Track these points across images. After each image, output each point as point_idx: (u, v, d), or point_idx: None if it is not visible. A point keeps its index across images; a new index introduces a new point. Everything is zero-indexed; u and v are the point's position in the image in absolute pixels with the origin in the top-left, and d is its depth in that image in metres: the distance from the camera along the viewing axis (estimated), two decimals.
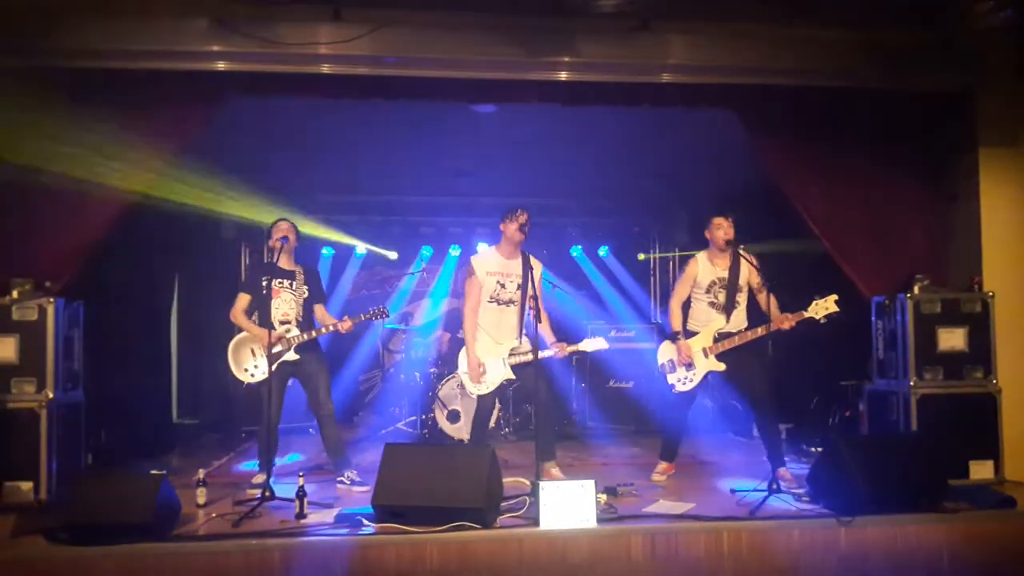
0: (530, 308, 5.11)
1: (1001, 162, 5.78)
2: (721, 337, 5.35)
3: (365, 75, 5.38)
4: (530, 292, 5.12)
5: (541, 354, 5.21)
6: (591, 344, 5.42)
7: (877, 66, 5.50)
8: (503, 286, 5.34)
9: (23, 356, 4.94)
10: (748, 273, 5.41)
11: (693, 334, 5.47)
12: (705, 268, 5.45)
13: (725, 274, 5.41)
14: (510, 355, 5.34)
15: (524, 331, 5.33)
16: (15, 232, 5.15)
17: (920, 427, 5.32)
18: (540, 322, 5.22)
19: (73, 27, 5.00)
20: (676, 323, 5.51)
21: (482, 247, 5.35)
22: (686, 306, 5.55)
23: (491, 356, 5.35)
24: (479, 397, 5.43)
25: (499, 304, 5.35)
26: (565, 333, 6.61)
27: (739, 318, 5.41)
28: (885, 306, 5.71)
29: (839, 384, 6.86)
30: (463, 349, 5.46)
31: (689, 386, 5.42)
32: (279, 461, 6.01)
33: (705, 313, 5.45)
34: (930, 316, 5.47)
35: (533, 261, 5.31)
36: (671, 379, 5.48)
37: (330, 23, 5.12)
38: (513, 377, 5.33)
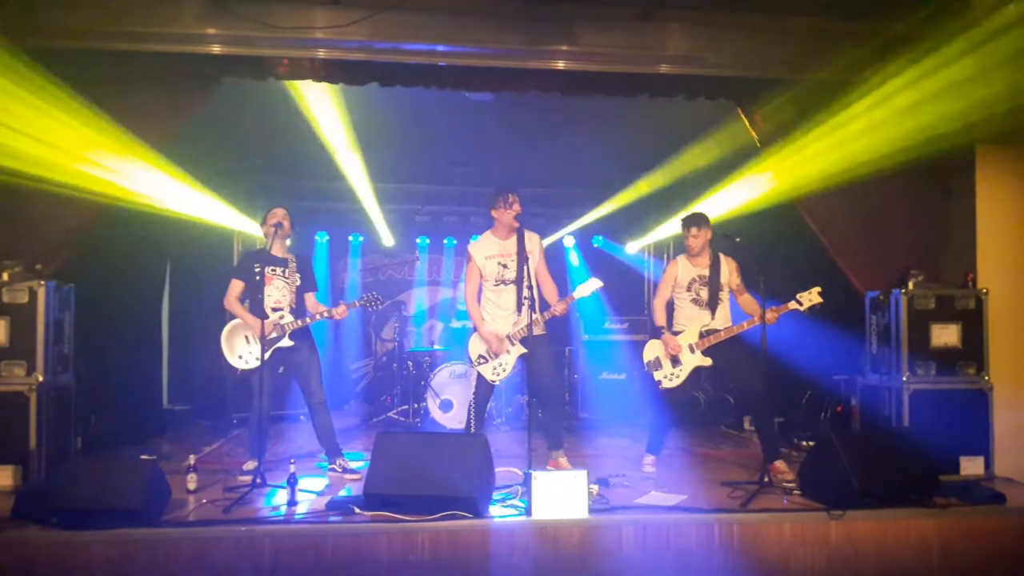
0: (526, 294, 5.08)
1: (996, 158, 5.78)
2: (707, 333, 5.40)
3: (361, 60, 5.34)
4: (535, 263, 5.19)
5: (541, 316, 5.19)
6: (585, 288, 5.24)
7: (876, 59, 5.47)
8: (505, 266, 5.31)
9: (13, 339, 4.91)
10: (729, 274, 5.49)
11: (679, 333, 5.50)
12: (684, 267, 5.55)
13: (706, 272, 5.49)
14: (514, 329, 5.29)
15: (526, 304, 5.17)
16: (6, 214, 5.09)
17: (912, 422, 5.34)
18: (545, 291, 5.29)
19: (66, 6, 4.94)
20: (660, 319, 5.57)
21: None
22: (671, 308, 5.62)
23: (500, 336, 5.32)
24: (479, 385, 5.38)
25: (505, 284, 5.32)
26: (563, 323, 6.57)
27: (723, 314, 5.46)
28: (879, 301, 5.72)
29: (832, 378, 6.87)
30: (471, 339, 5.42)
31: (676, 382, 5.45)
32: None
33: (689, 310, 5.50)
34: (924, 312, 5.49)
35: (529, 235, 5.31)
36: (657, 376, 5.52)
37: (326, 7, 5.08)
38: (525, 350, 5.24)
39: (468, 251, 5.43)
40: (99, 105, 5.14)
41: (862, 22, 5.41)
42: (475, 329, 5.39)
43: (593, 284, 5.25)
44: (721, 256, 5.53)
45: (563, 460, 5.34)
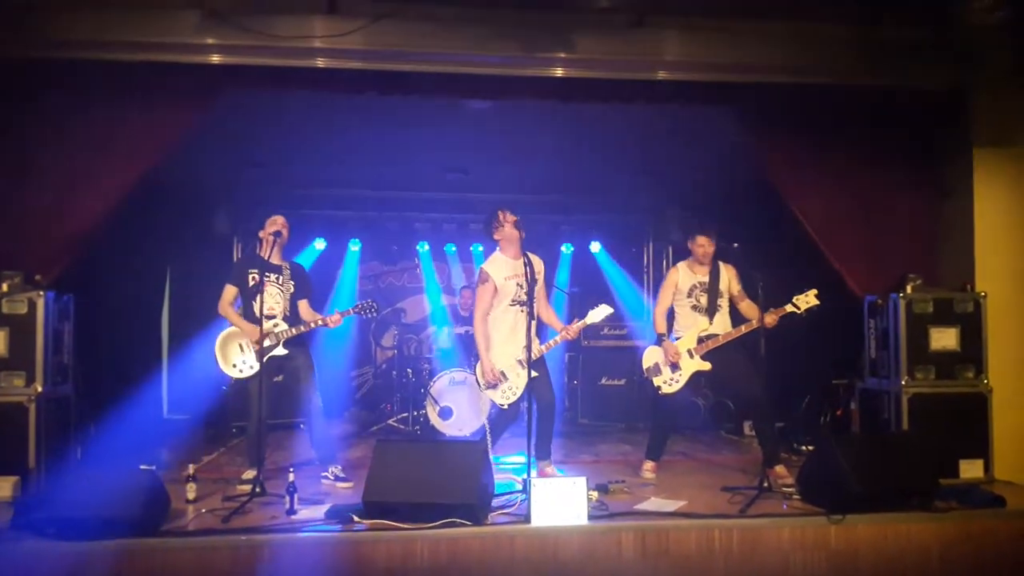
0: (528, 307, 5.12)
1: (995, 161, 5.78)
2: (705, 338, 5.42)
3: (359, 69, 5.35)
4: (540, 286, 5.27)
5: (553, 342, 5.28)
6: (597, 314, 5.25)
7: (873, 63, 5.50)
8: (521, 287, 5.29)
9: (12, 349, 4.90)
10: (729, 281, 5.53)
11: (678, 339, 5.53)
12: (685, 274, 5.59)
13: (705, 279, 5.53)
14: (524, 353, 5.23)
15: (533, 326, 5.19)
16: (5, 224, 5.11)
17: (911, 426, 5.33)
18: (544, 315, 5.38)
19: (64, 17, 4.95)
20: (660, 327, 5.59)
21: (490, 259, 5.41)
22: (671, 315, 5.65)
23: (510, 360, 5.28)
24: (502, 407, 5.36)
25: (519, 306, 5.28)
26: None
27: (723, 320, 5.49)
28: (877, 305, 5.72)
29: (831, 383, 6.88)
30: (477, 366, 5.39)
31: (675, 387, 5.46)
32: None
33: (689, 317, 5.53)
34: (922, 316, 5.48)
35: (533, 258, 5.32)
36: (657, 381, 5.53)
37: (324, 16, 5.09)
38: (536, 374, 5.20)
39: (484, 271, 5.35)
40: (96, 116, 5.17)
41: (858, 28, 5.44)
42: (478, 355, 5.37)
43: (603, 311, 5.26)
44: (720, 263, 5.56)
45: (550, 469, 5.36)
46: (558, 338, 5.29)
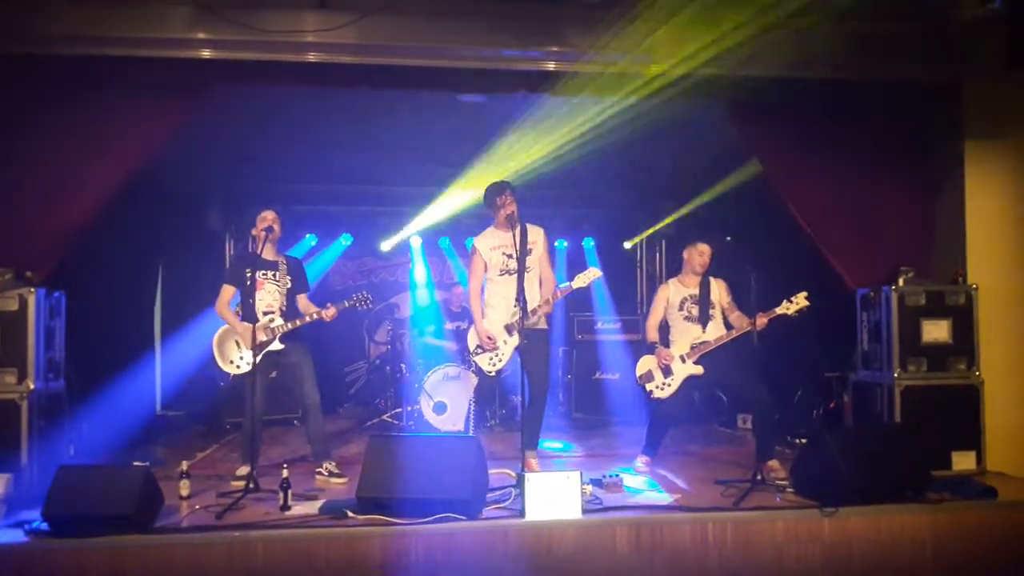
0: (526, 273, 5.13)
1: (986, 153, 5.79)
2: (698, 344, 5.48)
3: (350, 64, 5.33)
4: (538, 255, 5.30)
5: (539, 307, 5.24)
6: (585, 277, 5.28)
7: (865, 57, 5.50)
8: (510, 256, 5.30)
9: (3, 346, 4.87)
10: (719, 294, 5.60)
11: (673, 346, 5.59)
12: (676, 289, 5.67)
13: (696, 291, 5.60)
14: (512, 319, 5.27)
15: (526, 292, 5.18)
16: None
17: (904, 418, 5.35)
18: (543, 285, 5.36)
19: (52, 12, 4.91)
20: (653, 337, 5.69)
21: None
22: (665, 329, 5.72)
23: (498, 327, 5.34)
24: (489, 374, 5.44)
25: (510, 275, 5.29)
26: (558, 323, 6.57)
27: (716, 329, 5.53)
28: (870, 298, 5.74)
29: (824, 375, 6.90)
30: (471, 330, 5.46)
31: (667, 391, 5.50)
32: None
33: (682, 326, 5.60)
34: (914, 308, 5.50)
35: (531, 228, 5.34)
36: (649, 387, 5.57)
37: (315, 10, 5.07)
38: (525, 340, 5.13)
39: (474, 244, 5.46)
40: (86, 112, 5.14)
41: (850, 21, 5.43)
42: (472, 322, 5.45)
43: (591, 274, 5.29)
44: (711, 279, 5.63)
45: (534, 462, 5.34)
46: (542, 301, 5.28)
